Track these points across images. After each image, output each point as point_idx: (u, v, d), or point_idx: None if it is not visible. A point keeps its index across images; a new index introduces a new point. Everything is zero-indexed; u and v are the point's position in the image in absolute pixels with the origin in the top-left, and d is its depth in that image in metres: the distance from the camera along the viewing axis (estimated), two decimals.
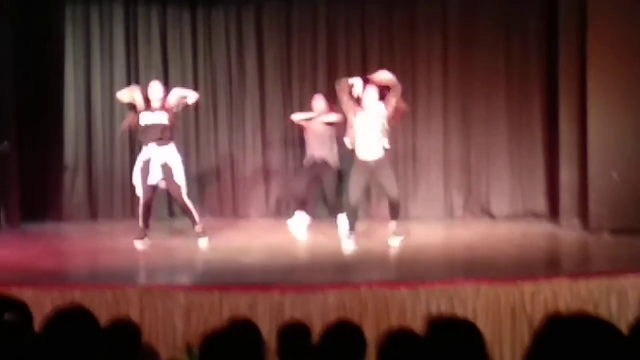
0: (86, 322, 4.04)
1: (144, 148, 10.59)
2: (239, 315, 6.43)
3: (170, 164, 10.58)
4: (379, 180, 10.30)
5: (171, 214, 13.04)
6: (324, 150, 11.82)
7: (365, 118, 10.13)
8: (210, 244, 10.74)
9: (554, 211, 12.09)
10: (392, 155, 12.34)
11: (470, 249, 10.22)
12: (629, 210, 10.78)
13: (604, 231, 10.80)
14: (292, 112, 12.96)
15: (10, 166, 12.35)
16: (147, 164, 10.53)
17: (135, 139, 13.19)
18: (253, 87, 13.17)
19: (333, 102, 11.52)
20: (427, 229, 11.71)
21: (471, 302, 7.79)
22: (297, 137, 12.95)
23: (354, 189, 10.20)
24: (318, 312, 7.54)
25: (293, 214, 12.01)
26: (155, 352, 5.47)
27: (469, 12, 12.61)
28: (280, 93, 13.09)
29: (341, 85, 10.28)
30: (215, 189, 13.32)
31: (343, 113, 10.81)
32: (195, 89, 13.08)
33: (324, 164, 11.81)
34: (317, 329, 4.39)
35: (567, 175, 11.51)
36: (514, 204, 12.51)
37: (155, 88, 10.65)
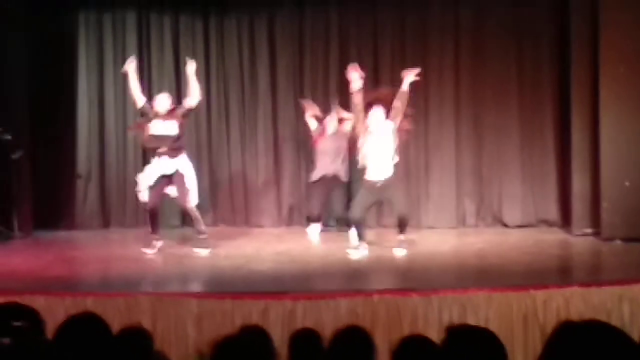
0: (98, 330, 4.05)
1: (156, 159, 10.59)
2: (250, 322, 6.44)
3: (182, 171, 10.60)
4: (388, 198, 10.36)
5: (183, 222, 13.05)
6: (335, 165, 11.89)
7: (373, 140, 10.16)
8: (221, 252, 10.77)
9: (566, 219, 12.07)
10: (404, 163, 12.38)
11: (482, 257, 10.21)
12: None
13: (616, 239, 10.78)
14: (304, 121, 12.99)
15: (23, 174, 12.38)
16: (157, 175, 10.55)
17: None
18: (265, 96, 13.18)
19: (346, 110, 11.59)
20: (440, 237, 11.70)
21: (483, 309, 7.79)
22: (309, 146, 12.95)
23: (359, 206, 10.32)
24: (330, 319, 7.54)
25: (306, 223, 12.08)
26: (167, 359, 5.47)
27: (480, 20, 12.61)
28: (292, 101, 13.09)
29: (356, 102, 10.30)
30: (227, 197, 13.32)
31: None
32: (208, 97, 13.18)
33: (335, 178, 11.87)
34: (328, 337, 4.39)
35: (579, 184, 11.49)
36: (526, 212, 12.49)
37: (162, 100, 10.67)
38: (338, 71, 12.96)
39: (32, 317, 4.39)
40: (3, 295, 7.76)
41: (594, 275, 9.51)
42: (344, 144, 11.81)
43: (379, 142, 10.15)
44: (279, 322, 7.71)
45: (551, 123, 12.44)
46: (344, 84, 12.69)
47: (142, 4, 13.41)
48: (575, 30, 11.49)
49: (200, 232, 10.74)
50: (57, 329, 4.01)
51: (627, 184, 10.86)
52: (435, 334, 4.00)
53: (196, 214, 10.73)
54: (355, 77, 10.25)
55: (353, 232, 10.54)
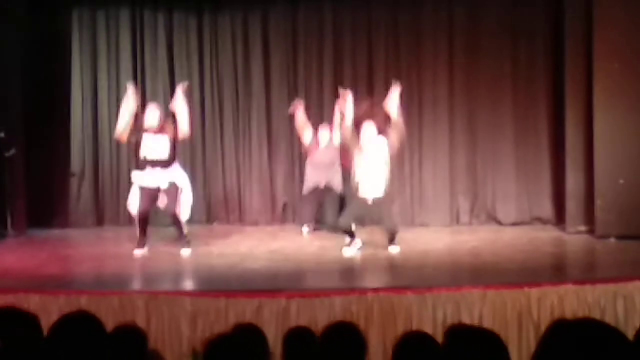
0: (92, 328, 4.04)
1: (149, 169, 10.56)
2: (244, 321, 6.43)
3: (177, 183, 10.60)
4: (377, 215, 10.33)
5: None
6: (328, 176, 11.91)
7: (366, 156, 10.19)
8: (215, 250, 10.78)
9: (560, 217, 12.08)
10: (398, 161, 12.39)
11: (476, 255, 10.22)
12: (635, 216, 10.77)
13: (611, 237, 10.79)
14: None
15: (17, 172, 12.36)
16: (150, 185, 10.56)
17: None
18: (259, 92, 13.17)
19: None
20: (434, 235, 11.70)
21: (478, 307, 7.80)
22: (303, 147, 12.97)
23: (350, 215, 10.40)
24: (324, 317, 7.54)
25: (298, 222, 12.13)
26: (161, 358, 5.47)
27: (474, 18, 12.61)
28: (286, 98, 13.08)
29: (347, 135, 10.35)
30: (221, 195, 13.31)
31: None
32: (201, 94, 13.20)
33: (327, 188, 11.91)
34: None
35: (573, 181, 11.50)
36: (520, 210, 12.49)
37: (151, 114, 10.62)
38: (332, 68, 12.99)
39: (30, 322, 4.37)
40: None
41: (588, 272, 9.51)
42: (336, 155, 11.81)
43: (371, 158, 10.20)
44: (273, 320, 7.71)
45: (545, 120, 12.45)
46: (338, 81, 12.79)
47: (135, 1, 13.39)
48: (569, 27, 11.49)
49: (183, 236, 10.70)
50: (51, 327, 4.01)
51: (621, 181, 10.87)
52: (429, 332, 3.99)
53: (181, 220, 10.69)
54: (349, 110, 10.28)
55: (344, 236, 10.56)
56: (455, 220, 12.66)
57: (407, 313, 7.78)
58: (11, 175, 12.22)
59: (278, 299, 7.87)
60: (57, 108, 13.21)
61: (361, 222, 10.63)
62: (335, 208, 11.79)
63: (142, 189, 10.56)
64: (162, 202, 10.66)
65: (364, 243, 10.41)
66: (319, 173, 11.97)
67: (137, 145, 10.60)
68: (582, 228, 11.37)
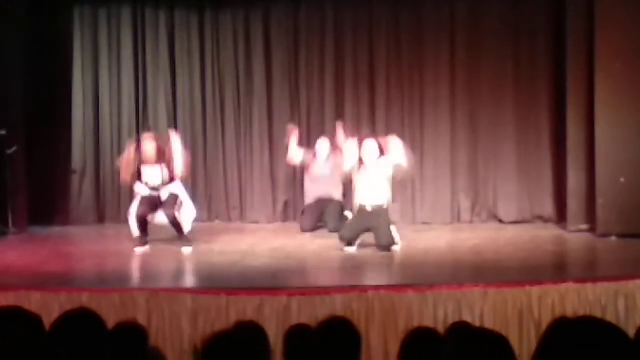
0: (93, 325, 4.05)
1: (148, 188, 10.66)
2: (245, 318, 6.44)
3: (176, 194, 10.64)
4: (375, 226, 10.28)
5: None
6: (328, 189, 11.92)
7: (366, 173, 10.23)
8: (216, 247, 10.79)
9: (561, 215, 12.07)
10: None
11: (477, 253, 10.22)
12: (636, 215, 10.77)
13: (612, 235, 10.79)
14: (299, 115, 13.01)
15: (18, 170, 12.36)
16: (150, 195, 10.61)
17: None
18: (260, 91, 13.17)
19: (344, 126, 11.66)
20: (434, 233, 11.69)
21: (478, 305, 7.80)
22: (304, 144, 12.97)
23: (350, 229, 10.36)
24: (325, 315, 7.53)
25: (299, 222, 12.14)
26: (162, 355, 5.48)
27: (476, 16, 12.60)
28: (287, 96, 13.09)
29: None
30: (222, 193, 13.31)
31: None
32: (203, 91, 13.20)
33: (329, 199, 11.90)
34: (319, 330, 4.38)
35: (574, 180, 11.50)
36: (521, 208, 12.48)
37: (148, 147, 10.65)
38: (333, 66, 12.99)
39: (33, 322, 4.37)
40: None
41: (589, 271, 9.52)
42: (336, 168, 11.77)
43: (371, 174, 10.23)
44: (273, 317, 7.72)
45: (546, 119, 12.44)
46: (339, 79, 12.81)
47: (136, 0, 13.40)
48: (570, 26, 11.48)
49: (183, 236, 10.70)
50: (52, 324, 4.01)
51: (622, 180, 10.86)
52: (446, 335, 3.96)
53: (180, 221, 10.68)
54: (349, 153, 10.44)
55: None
56: (457, 218, 12.65)
57: (407, 311, 7.79)
58: (12, 172, 12.22)
59: (279, 297, 7.88)
60: (58, 106, 13.21)
61: (364, 231, 10.53)
62: (336, 216, 11.79)
63: (143, 196, 10.63)
64: (161, 217, 10.67)
65: (363, 240, 10.40)
66: (318, 187, 12.01)
67: (138, 174, 10.67)
68: (583, 226, 11.37)
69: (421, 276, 8.84)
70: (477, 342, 3.37)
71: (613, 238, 10.76)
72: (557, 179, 12.25)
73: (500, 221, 12.47)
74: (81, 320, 4.04)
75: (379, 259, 9.92)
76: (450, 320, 6.94)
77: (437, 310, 7.77)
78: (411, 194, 12.67)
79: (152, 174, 10.64)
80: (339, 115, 12.71)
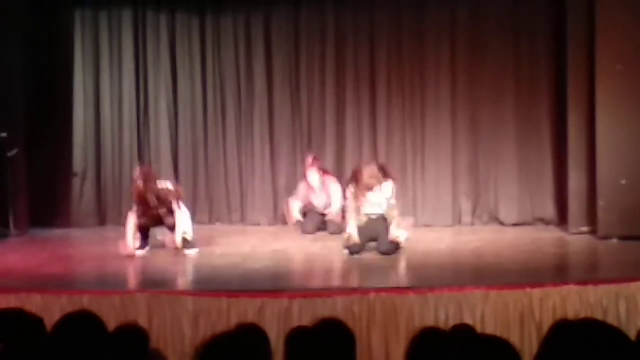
0: (94, 328, 4.05)
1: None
2: (246, 320, 6.43)
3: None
4: (377, 233, 10.26)
5: None
6: (324, 198, 11.94)
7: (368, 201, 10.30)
8: (217, 250, 10.79)
9: (562, 217, 12.06)
10: (401, 162, 12.42)
11: (478, 255, 10.21)
12: (637, 217, 10.76)
13: (613, 238, 10.78)
14: (300, 117, 13.01)
15: (19, 172, 12.36)
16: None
17: (143, 143, 13.25)
18: (261, 94, 13.16)
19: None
20: (436, 235, 11.68)
21: (480, 308, 7.80)
22: (305, 146, 12.99)
23: (357, 240, 10.27)
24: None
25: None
26: (163, 357, 5.47)
27: (477, 19, 12.59)
28: (288, 100, 13.09)
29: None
30: (223, 195, 13.30)
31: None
32: (204, 94, 13.21)
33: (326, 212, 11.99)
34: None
35: (575, 182, 11.49)
36: (522, 211, 12.47)
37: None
38: (334, 70, 12.98)
39: (35, 325, 4.37)
40: None
41: (591, 273, 9.52)
42: (332, 192, 11.91)
43: (373, 202, 10.30)
44: (275, 320, 7.71)
45: (547, 121, 12.43)
46: (340, 82, 12.82)
47: (138, 2, 13.38)
48: (571, 27, 11.47)
49: (188, 244, 10.69)
50: (53, 327, 4.01)
51: (623, 182, 10.86)
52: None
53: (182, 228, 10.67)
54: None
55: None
56: (458, 220, 12.64)
57: (409, 313, 7.78)
58: (13, 174, 12.22)
59: (280, 299, 7.88)
60: (59, 108, 13.21)
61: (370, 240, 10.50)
62: (336, 222, 11.81)
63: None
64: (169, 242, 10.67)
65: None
66: (315, 195, 12.07)
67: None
68: (585, 229, 11.36)
69: (422, 278, 8.84)
70: (484, 350, 3.36)
71: (614, 240, 10.75)
72: (558, 181, 12.24)
73: (502, 223, 12.46)
74: (82, 323, 4.05)
75: (380, 261, 9.92)
76: (451, 323, 6.94)
77: (439, 313, 7.77)
78: (412, 196, 12.66)
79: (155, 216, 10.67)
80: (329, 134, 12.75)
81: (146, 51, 13.34)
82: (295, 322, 7.18)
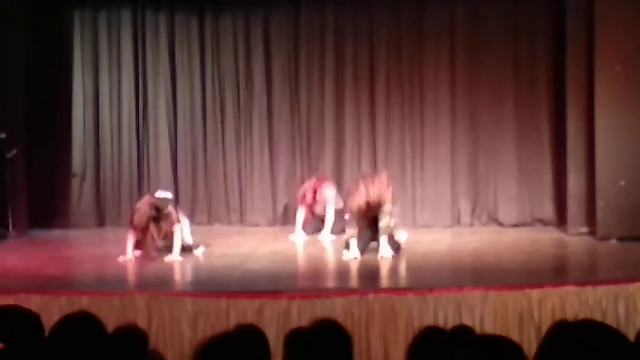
0: (93, 329, 4.05)
1: None
2: (245, 322, 6.43)
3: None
4: (375, 232, 10.26)
5: None
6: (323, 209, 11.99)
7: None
8: (216, 251, 10.79)
9: (561, 218, 12.06)
10: (400, 162, 12.42)
11: (477, 256, 10.22)
12: (636, 218, 10.76)
13: (612, 239, 10.78)
14: (300, 118, 13.01)
15: (18, 173, 12.36)
16: None
17: (142, 143, 13.24)
18: (260, 95, 13.16)
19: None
20: (435, 236, 11.68)
21: (479, 309, 7.80)
22: (304, 146, 12.99)
23: (358, 244, 10.25)
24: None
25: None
26: (162, 358, 5.47)
27: (476, 19, 12.59)
28: (288, 100, 13.09)
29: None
30: (222, 196, 13.30)
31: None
32: (203, 95, 13.20)
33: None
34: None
35: (574, 183, 11.49)
36: (521, 211, 12.47)
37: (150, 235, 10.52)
38: (333, 70, 12.99)
39: (33, 321, 4.38)
40: None
41: (590, 274, 9.52)
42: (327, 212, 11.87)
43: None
44: (274, 321, 7.71)
45: (547, 121, 12.43)
46: (339, 83, 12.83)
47: (137, 2, 13.38)
48: (570, 27, 11.47)
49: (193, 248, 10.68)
50: (52, 328, 4.01)
51: (622, 183, 10.86)
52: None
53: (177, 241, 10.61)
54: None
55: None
56: (457, 221, 12.64)
57: (408, 314, 7.79)
58: (12, 175, 12.22)
59: (279, 300, 7.88)
60: (59, 109, 13.21)
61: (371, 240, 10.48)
62: (337, 224, 11.82)
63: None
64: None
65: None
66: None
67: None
68: (584, 229, 11.36)
69: (422, 280, 8.84)
70: (490, 349, 3.36)
71: (613, 241, 10.75)
72: (558, 182, 12.25)
73: (501, 224, 12.45)
74: (81, 324, 4.05)
75: (379, 262, 9.91)
76: (450, 324, 6.94)
77: (438, 314, 7.77)
78: (411, 197, 12.66)
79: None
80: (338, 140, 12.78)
81: (145, 52, 13.34)
82: (294, 323, 7.18)
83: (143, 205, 10.51)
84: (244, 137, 13.24)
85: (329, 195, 11.87)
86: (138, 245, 10.45)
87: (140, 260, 10.31)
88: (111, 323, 4.43)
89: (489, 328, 7.51)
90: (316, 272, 9.89)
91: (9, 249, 11.36)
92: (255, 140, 13.19)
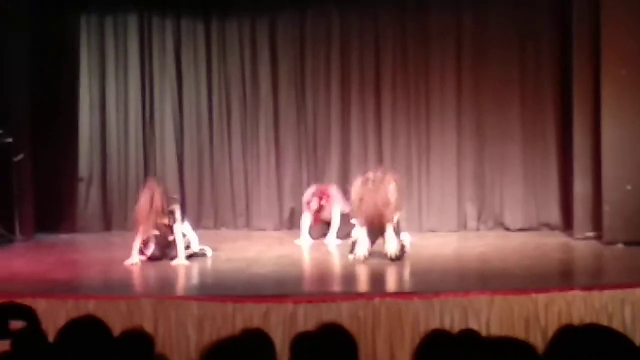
0: (100, 333, 4.05)
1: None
2: (252, 326, 6.44)
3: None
4: (380, 231, 10.26)
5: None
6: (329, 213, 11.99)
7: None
8: (222, 255, 10.80)
9: (567, 223, 12.05)
10: (406, 167, 12.41)
11: (483, 261, 10.21)
12: None
13: (618, 243, 10.77)
14: (306, 122, 13.02)
15: (25, 177, 12.38)
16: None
17: (149, 147, 13.26)
18: (267, 99, 13.18)
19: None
20: (441, 241, 11.68)
21: (485, 313, 7.79)
22: (311, 150, 13.00)
23: (363, 246, 10.21)
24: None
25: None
26: None
27: (482, 23, 12.58)
28: (294, 104, 13.10)
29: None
30: (229, 200, 13.32)
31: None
32: (209, 99, 13.23)
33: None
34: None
35: (581, 187, 11.47)
36: (527, 216, 12.46)
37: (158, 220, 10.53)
38: (339, 74, 13.00)
39: (29, 316, 4.39)
40: (4, 298, 7.77)
41: (596, 278, 9.51)
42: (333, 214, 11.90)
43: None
44: (280, 325, 7.71)
45: (553, 126, 12.42)
46: (345, 86, 12.84)
47: (143, 7, 13.41)
48: (576, 32, 11.46)
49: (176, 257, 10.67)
50: (58, 332, 4.01)
51: (628, 187, 10.84)
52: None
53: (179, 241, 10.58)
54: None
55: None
56: (463, 225, 12.64)
57: (414, 319, 7.78)
58: (19, 180, 12.24)
59: (285, 304, 7.87)
60: (65, 113, 13.24)
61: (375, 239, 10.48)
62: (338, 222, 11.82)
63: (155, 236, 10.56)
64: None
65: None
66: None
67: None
68: (590, 234, 11.34)
69: (428, 284, 8.82)
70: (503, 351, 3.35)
71: (620, 246, 10.73)
72: (564, 187, 12.23)
73: (507, 229, 12.44)
74: (87, 328, 4.05)
75: (385, 266, 9.91)
76: (456, 328, 6.93)
77: (444, 318, 7.76)
78: (418, 201, 12.65)
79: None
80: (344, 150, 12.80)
81: (152, 56, 13.37)
82: (300, 328, 7.17)
83: (148, 190, 10.62)
84: (250, 141, 13.26)
85: (335, 200, 11.88)
86: (144, 247, 10.47)
87: (145, 262, 10.35)
88: (117, 327, 4.43)
89: (495, 332, 7.48)
90: (322, 276, 9.89)
91: (16, 253, 11.37)
92: (261, 144, 13.21)
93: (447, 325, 7.65)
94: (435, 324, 7.66)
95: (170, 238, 10.46)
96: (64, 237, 12.80)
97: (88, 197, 13.32)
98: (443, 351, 3.77)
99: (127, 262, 10.25)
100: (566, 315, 7.74)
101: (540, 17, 12.39)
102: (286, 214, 13.15)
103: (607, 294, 7.91)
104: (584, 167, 11.42)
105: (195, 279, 9.91)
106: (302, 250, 11.46)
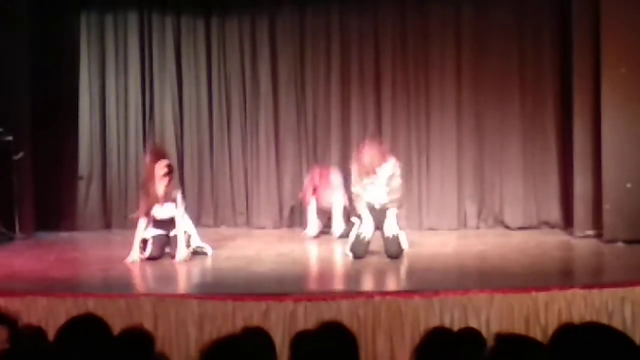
0: (99, 331, 4.06)
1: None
2: (252, 324, 6.44)
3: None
4: (379, 223, 10.25)
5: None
6: (331, 197, 11.96)
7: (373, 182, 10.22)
8: (222, 253, 10.79)
9: (568, 221, 12.04)
10: (405, 164, 12.38)
11: (483, 259, 10.20)
12: None
13: (618, 241, 10.77)
14: (306, 119, 13.02)
15: (25, 175, 12.38)
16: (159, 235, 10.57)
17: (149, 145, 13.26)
18: (267, 95, 13.18)
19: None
20: (441, 239, 11.68)
21: (485, 311, 7.79)
22: (311, 148, 13.00)
23: (361, 243, 10.19)
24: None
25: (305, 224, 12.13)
26: None
27: (482, 18, 12.57)
28: (294, 100, 13.10)
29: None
30: (228, 198, 13.32)
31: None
32: (209, 96, 13.24)
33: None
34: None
35: (581, 185, 11.47)
36: (527, 214, 12.46)
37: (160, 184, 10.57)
38: (339, 70, 13.00)
39: (10, 323, 4.39)
40: (4, 296, 7.78)
41: (596, 277, 9.50)
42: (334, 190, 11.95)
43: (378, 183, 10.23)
44: (280, 323, 7.71)
45: (553, 124, 12.41)
46: (345, 82, 12.84)
47: (143, 5, 13.41)
48: (576, 28, 11.45)
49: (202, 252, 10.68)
50: (58, 330, 4.02)
51: (629, 185, 10.84)
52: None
53: (181, 239, 10.56)
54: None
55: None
56: (463, 224, 12.63)
57: (414, 317, 7.78)
58: (19, 178, 12.24)
59: (285, 303, 7.88)
60: (65, 111, 13.23)
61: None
62: (342, 219, 11.82)
63: (153, 237, 10.55)
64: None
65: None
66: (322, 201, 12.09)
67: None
68: (590, 232, 11.34)
69: (427, 282, 8.82)
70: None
71: (620, 244, 10.73)
72: (564, 185, 12.23)
73: (507, 227, 12.44)
74: (87, 326, 4.06)
75: (385, 265, 9.91)
76: (457, 326, 6.93)
77: (444, 316, 7.76)
78: (417, 199, 12.65)
79: (162, 212, 10.56)
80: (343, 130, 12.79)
81: (152, 54, 13.37)
82: (300, 326, 7.18)
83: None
84: (250, 139, 13.26)
85: (336, 181, 11.93)
86: (144, 247, 10.47)
87: (146, 259, 10.35)
88: (117, 325, 4.43)
89: (495, 331, 7.48)
90: (322, 274, 9.89)
91: (16, 251, 11.37)
92: (261, 142, 13.21)
93: (447, 324, 7.65)
94: (435, 322, 7.66)
95: (171, 234, 10.47)
96: (63, 235, 12.81)
97: (88, 195, 13.32)
98: (443, 349, 3.78)
99: (127, 260, 10.26)
100: (566, 314, 7.74)
101: (540, 13, 12.38)
102: (286, 212, 13.15)
103: (607, 292, 7.91)
104: (584, 165, 11.42)
105: (195, 277, 9.90)
106: (305, 246, 11.49)
